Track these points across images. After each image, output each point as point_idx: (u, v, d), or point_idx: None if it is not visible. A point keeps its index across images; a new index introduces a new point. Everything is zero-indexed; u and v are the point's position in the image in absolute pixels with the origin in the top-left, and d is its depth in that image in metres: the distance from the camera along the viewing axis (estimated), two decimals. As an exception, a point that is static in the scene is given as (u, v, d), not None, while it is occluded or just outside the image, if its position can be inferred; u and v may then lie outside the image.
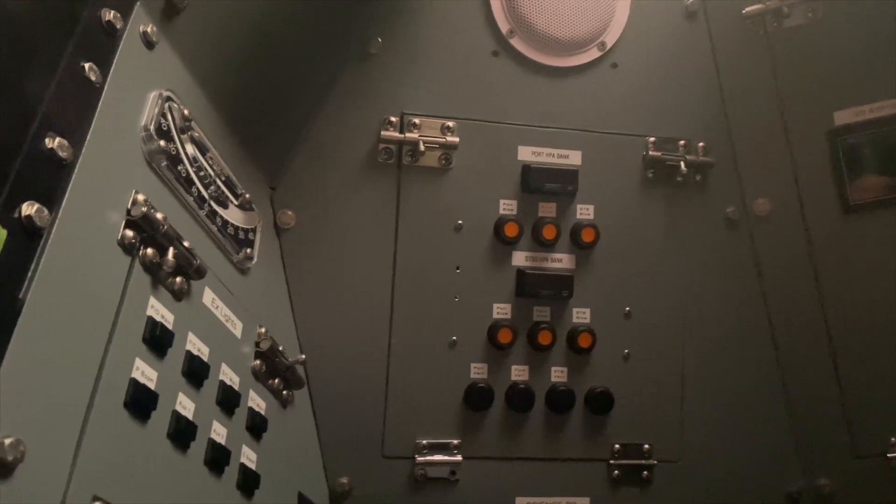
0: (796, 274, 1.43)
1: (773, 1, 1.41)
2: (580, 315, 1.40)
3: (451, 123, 1.35)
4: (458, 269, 1.36)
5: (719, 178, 1.46)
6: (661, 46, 1.43)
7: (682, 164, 1.41)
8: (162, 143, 0.90)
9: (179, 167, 0.95)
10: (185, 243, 0.87)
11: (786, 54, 1.41)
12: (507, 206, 1.38)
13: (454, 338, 1.35)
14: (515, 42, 1.38)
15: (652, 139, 1.42)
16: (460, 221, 1.36)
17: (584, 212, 1.40)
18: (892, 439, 1.38)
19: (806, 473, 1.43)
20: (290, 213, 1.30)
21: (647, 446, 1.39)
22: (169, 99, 0.96)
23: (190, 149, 1.01)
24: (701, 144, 1.44)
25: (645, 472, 1.39)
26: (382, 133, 1.32)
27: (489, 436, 1.35)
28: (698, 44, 1.45)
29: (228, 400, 0.94)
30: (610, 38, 1.41)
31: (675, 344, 1.42)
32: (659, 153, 1.42)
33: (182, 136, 0.99)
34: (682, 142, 1.43)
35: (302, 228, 1.30)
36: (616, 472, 1.38)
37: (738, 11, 1.43)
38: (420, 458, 1.31)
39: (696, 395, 1.42)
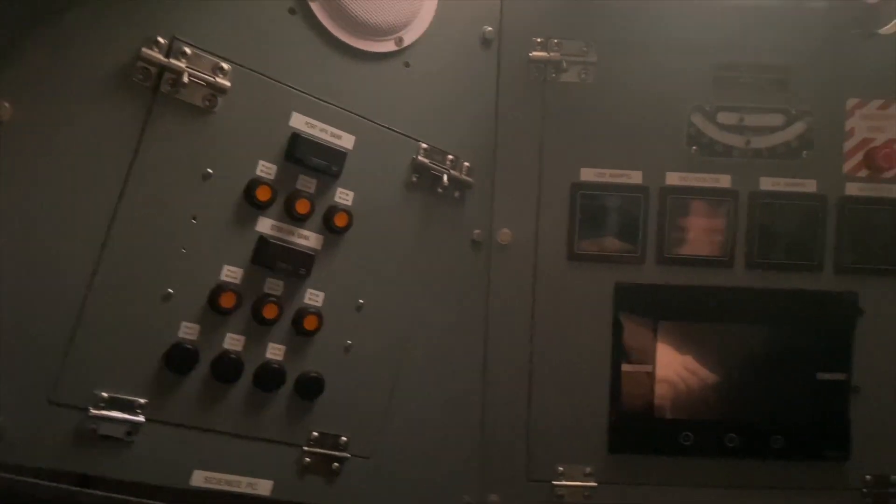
0: (518, 305, 1.55)
1: (555, 53, 1.54)
2: (313, 297, 1.37)
3: (225, 66, 1.25)
4: (194, 219, 1.25)
5: (475, 200, 1.53)
6: (453, 61, 1.48)
7: (446, 177, 1.46)
8: None
9: None
10: None
11: (555, 104, 1.54)
12: (265, 169, 1.31)
13: (170, 290, 1.23)
14: (315, 7, 1.33)
15: (424, 146, 1.45)
16: (210, 170, 1.26)
17: (343, 196, 1.38)
18: (560, 468, 1.54)
19: (481, 488, 1.53)
20: (6, 104, 1.10)
21: (344, 438, 1.39)
22: None
23: None
24: (466, 164, 1.51)
25: (335, 464, 1.38)
26: (144, 50, 1.18)
27: (183, 401, 1.25)
28: (486, 71, 1.52)
29: None
30: (409, 37, 1.42)
31: (396, 346, 1.45)
32: (427, 160, 1.45)
33: None
34: (450, 156, 1.48)
35: (16, 125, 1.10)
36: (307, 459, 1.36)
37: (526, 53, 1.54)
38: (94, 412, 1.17)
39: (402, 398, 1.46)
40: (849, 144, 1.58)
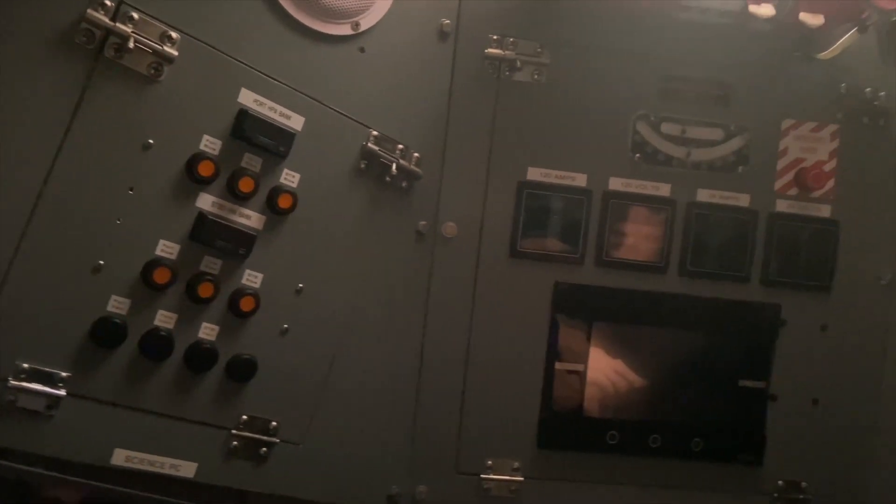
0: (458, 299, 1.55)
1: (510, 52, 1.55)
2: (251, 278, 1.34)
3: (174, 34, 1.22)
4: (131, 190, 1.21)
5: (422, 192, 1.53)
6: (409, 51, 1.48)
7: (394, 166, 1.46)
8: None
9: None
10: None
11: (507, 102, 1.55)
12: (210, 144, 1.28)
13: (101, 262, 1.19)
14: (272, -17, 1.31)
15: (375, 133, 1.44)
16: (151, 141, 1.22)
17: (289, 178, 1.36)
18: (489, 462, 1.56)
19: (410, 479, 1.53)
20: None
21: (274, 423, 1.37)
22: None
23: None
24: (416, 155, 1.50)
25: (263, 449, 1.36)
26: (89, 12, 1.14)
27: (107, 377, 1.21)
28: (442, 64, 1.52)
29: None
30: (365, 22, 1.41)
31: (333, 332, 1.44)
32: (377, 148, 1.44)
33: None
34: (400, 146, 1.48)
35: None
36: (235, 443, 1.34)
37: (482, 49, 1.54)
38: (14, 383, 1.12)
39: (337, 385, 1.44)
40: (782, 163, 1.65)
